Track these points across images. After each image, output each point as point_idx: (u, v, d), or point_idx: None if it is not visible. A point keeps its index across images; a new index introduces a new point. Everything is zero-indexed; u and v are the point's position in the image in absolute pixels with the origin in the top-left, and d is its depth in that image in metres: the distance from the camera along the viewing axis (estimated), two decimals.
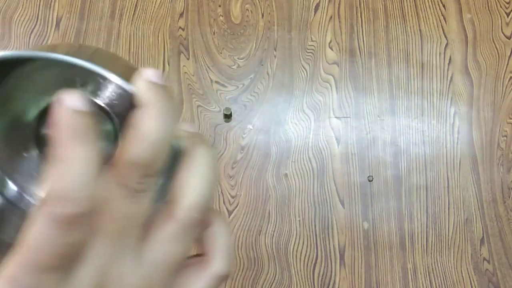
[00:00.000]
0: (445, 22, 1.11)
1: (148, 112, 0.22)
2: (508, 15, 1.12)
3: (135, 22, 1.09)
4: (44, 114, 0.31)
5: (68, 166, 0.20)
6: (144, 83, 0.23)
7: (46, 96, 0.30)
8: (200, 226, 0.25)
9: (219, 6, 1.11)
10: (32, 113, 0.30)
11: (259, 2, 1.12)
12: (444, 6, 1.12)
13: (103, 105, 0.28)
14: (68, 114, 0.21)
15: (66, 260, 0.21)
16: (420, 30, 1.10)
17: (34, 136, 0.31)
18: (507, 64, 1.08)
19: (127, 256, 0.23)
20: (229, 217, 0.97)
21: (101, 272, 0.22)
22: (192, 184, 0.24)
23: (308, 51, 1.08)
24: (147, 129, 0.22)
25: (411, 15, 1.12)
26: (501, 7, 1.12)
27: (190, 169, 0.24)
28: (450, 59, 1.08)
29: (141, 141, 0.22)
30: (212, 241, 0.26)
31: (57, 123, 0.21)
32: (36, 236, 0.20)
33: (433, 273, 0.95)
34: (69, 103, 0.21)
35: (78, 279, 0.22)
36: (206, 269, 0.26)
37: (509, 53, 1.09)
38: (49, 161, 0.21)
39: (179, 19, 1.10)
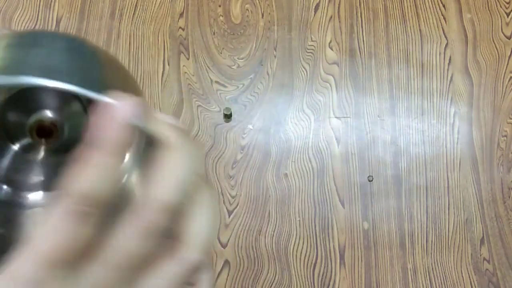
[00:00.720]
0: (445, 22, 1.11)
1: (175, 158, 0.23)
2: (508, 15, 1.12)
3: (135, 22, 1.09)
4: (13, 100, 0.30)
5: (95, 172, 0.22)
6: (167, 126, 0.24)
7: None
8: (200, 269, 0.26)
9: (219, 6, 1.11)
10: None
11: (259, 2, 1.12)
12: (444, 6, 1.12)
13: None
14: (117, 125, 0.22)
15: (68, 255, 0.22)
16: (420, 30, 1.10)
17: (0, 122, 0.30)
18: (507, 64, 1.08)
19: (122, 283, 0.24)
20: (229, 217, 0.97)
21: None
22: (198, 227, 0.25)
23: (308, 51, 1.08)
24: (172, 174, 0.23)
25: (411, 15, 1.12)
26: (501, 7, 1.12)
27: (197, 212, 0.25)
28: (450, 59, 1.08)
29: (170, 187, 0.23)
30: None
31: (102, 128, 0.22)
32: (53, 229, 0.21)
33: (433, 273, 0.95)
34: (121, 113, 0.22)
35: (80, 279, 0.23)
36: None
37: (509, 53, 1.09)
38: (78, 158, 0.22)
39: (179, 19, 1.10)
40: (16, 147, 0.31)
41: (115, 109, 0.22)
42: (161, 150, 0.24)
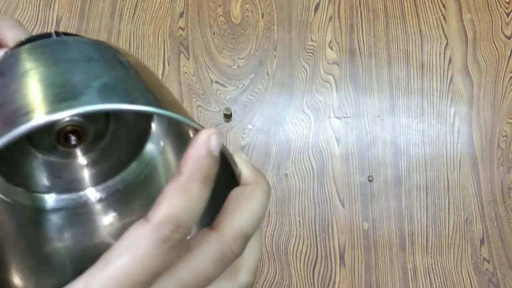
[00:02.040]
0: (445, 22, 1.11)
1: (256, 191, 0.26)
2: (508, 15, 1.12)
3: (135, 22, 1.09)
4: None
5: (189, 200, 0.23)
6: (248, 165, 0.27)
7: None
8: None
9: (219, 6, 1.11)
10: None
11: (259, 2, 1.12)
12: (444, 6, 1.12)
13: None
14: (207, 156, 0.23)
15: (153, 280, 0.23)
16: (420, 30, 1.10)
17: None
18: (507, 64, 1.08)
19: None
20: None
21: None
22: (253, 252, 0.27)
23: (308, 51, 1.08)
24: (256, 208, 0.26)
25: (411, 15, 1.12)
26: (501, 7, 1.12)
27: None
28: (450, 59, 1.08)
29: (251, 217, 0.26)
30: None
31: (194, 159, 0.23)
32: (140, 250, 0.22)
33: (433, 273, 0.95)
34: (213, 145, 0.23)
35: None
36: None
37: (509, 53, 1.09)
38: (170, 186, 0.23)
39: (179, 19, 1.10)
40: (39, 151, 0.32)
41: (207, 138, 0.23)
42: (239, 184, 0.26)
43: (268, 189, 0.26)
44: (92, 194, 0.33)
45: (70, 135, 0.29)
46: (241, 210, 0.25)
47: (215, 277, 0.25)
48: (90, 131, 0.31)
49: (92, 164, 0.33)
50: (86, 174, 0.33)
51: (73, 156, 0.33)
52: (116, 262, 0.22)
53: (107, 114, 0.32)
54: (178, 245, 0.23)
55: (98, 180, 0.33)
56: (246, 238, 0.25)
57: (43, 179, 0.32)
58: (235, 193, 0.27)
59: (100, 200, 0.33)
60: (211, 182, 0.23)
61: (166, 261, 0.22)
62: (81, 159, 0.33)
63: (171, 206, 0.22)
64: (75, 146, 0.31)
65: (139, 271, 0.22)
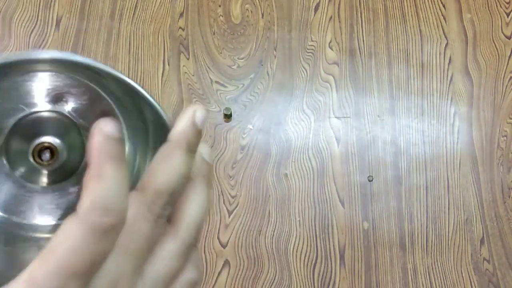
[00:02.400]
0: (445, 22, 1.11)
1: (177, 150, 0.26)
2: (508, 15, 1.12)
3: (135, 22, 1.09)
4: (18, 125, 0.31)
5: (106, 183, 0.23)
6: (182, 121, 0.28)
7: (20, 106, 0.30)
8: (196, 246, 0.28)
9: (219, 6, 1.11)
10: (4, 124, 0.31)
11: (259, 2, 1.12)
12: (444, 6, 1.12)
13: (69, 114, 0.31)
14: (106, 140, 0.24)
15: (91, 268, 0.23)
16: (420, 30, 1.10)
17: (4, 147, 0.31)
18: (507, 64, 1.08)
19: (135, 272, 0.25)
20: (229, 217, 0.97)
21: (113, 285, 0.24)
22: (192, 210, 0.28)
23: (308, 51, 1.08)
24: (177, 164, 0.26)
25: (411, 15, 1.12)
26: (501, 7, 1.12)
27: (192, 198, 0.28)
28: (450, 59, 1.08)
29: (172, 173, 0.26)
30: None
31: (95, 147, 0.24)
32: (71, 242, 0.22)
33: (433, 273, 0.95)
34: (107, 130, 0.24)
35: (98, 279, 0.24)
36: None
37: (509, 53, 1.09)
38: (86, 178, 0.24)
39: (179, 19, 1.10)
40: (16, 174, 0.32)
41: (103, 125, 0.24)
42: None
43: (187, 148, 0.27)
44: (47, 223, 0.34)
45: (44, 151, 0.31)
46: (160, 169, 0.26)
47: (153, 236, 0.25)
48: (64, 153, 0.32)
49: (57, 195, 0.33)
50: (45, 204, 0.34)
51: (40, 183, 0.33)
52: (54, 255, 0.22)
53: (82, 143, 0.32)
54: (112, 229, 0.23)
55: (58, 213, 0.34)
56: (168, 196, 0.26)
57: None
58: (159, 152, 0.27)
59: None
60: (120, 163, 0.24)
61: (102, 248, 0.23)
62: (48, 188, 0.33)
63: (92, 193, 0.23)
64: (48, 163, 0.31)
65: (75, 262, 0.22)
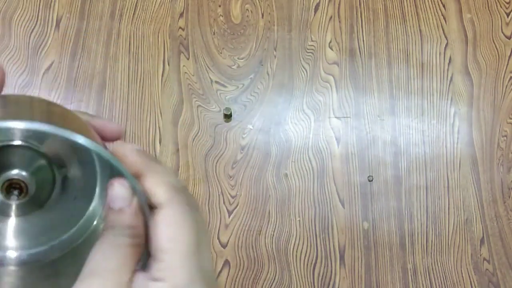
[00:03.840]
0: (445, 22, 1.11)
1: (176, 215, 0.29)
2: (508, 15, 1.12)
3: (135, 22, 1.09)
4: None
5: None
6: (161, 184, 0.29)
7: None
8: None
9: (219, 6, 1.11)
10: None
11: (259, 2, 1.12)
12: (444, 6, 1.12)
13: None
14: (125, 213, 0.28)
15: None
16: (420, 30, 1.10)
17: None
18: (507, 64, 1.08)
19: None
20: (229, 217, 0.97)
21: None
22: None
23: (308, 51, 1.08)
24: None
25: (411, 15, 1.12)
26: (501, 7, 1.12)
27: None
28: (450, 59, 1.08)
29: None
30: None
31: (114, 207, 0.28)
32: None
33: (433, 273, 0.95)
34: (121, 202, 0.28)
35: None
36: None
37: (509, 53, 1.09)
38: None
39: (179, 19, 1.10)
40: None
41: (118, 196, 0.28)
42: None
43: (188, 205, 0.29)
44: (13, 256, 0.33)
45: (13, 189, 0.31)
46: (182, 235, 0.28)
47: None
48: (33, 189, 0.31)
49: (24, 226, 0.33)
50: (14, 236, 0.33)
51: (8, 215, 0.33)
52: None
53: (53, 177, 0.32)
54: None
55: (25, 244, 0.33)
56: None
57: None
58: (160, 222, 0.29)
59: (19, 265, 0.33)
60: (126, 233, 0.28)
61: None
62: (16, 220, 0.33)
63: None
64: (16, 199, 0.31)
65: None
